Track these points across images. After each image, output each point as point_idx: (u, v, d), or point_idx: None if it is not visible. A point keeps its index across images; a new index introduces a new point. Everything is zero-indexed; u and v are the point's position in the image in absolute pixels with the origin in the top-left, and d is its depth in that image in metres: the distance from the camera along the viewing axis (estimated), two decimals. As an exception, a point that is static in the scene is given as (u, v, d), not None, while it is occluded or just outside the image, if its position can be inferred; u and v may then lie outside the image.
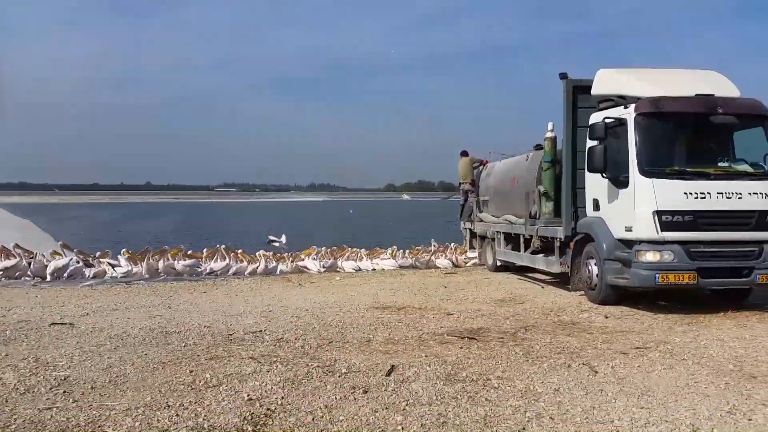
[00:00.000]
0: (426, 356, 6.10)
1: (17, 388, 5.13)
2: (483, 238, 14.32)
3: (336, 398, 4.86)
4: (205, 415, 4.50)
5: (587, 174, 9.32)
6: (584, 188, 9.63)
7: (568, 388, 5.14)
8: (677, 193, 8.21)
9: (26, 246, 13.74)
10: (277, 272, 13.58)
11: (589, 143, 9.09)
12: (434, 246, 15.73)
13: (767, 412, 4.62)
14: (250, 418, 4.46)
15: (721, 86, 9.01)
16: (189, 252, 14.21)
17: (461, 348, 6.47)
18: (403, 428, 4.29)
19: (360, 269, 14.20)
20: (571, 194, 9.87)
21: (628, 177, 8.51)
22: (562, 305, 9.09)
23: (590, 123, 9.24)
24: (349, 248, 15.29)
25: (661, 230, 8.18)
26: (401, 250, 15.32)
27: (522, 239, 11.77)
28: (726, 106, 8.56)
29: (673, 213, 8.19)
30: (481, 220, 14.11)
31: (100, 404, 4.75)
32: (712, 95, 8.64)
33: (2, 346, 6.56)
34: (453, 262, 14.97)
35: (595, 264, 9.14)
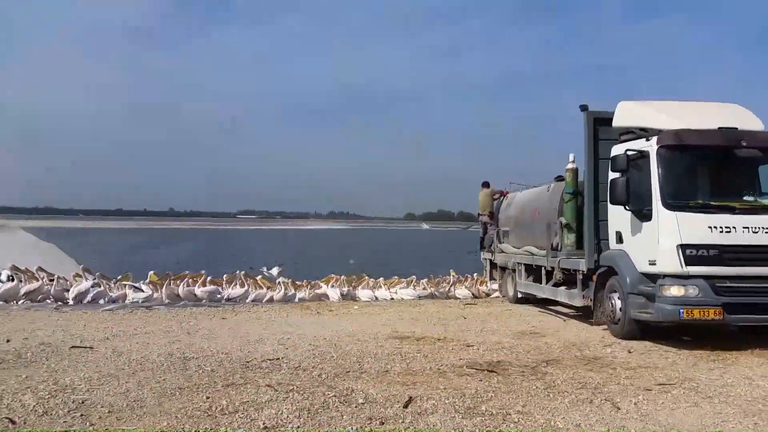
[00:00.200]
0: (444, 388, 6.02)
1: (36, 410, 5.15)
2: (504, 269, 14.20)
3: (352, 429, 4.80)
4: (220, 443, 4.47)
5: (610, 206, 9.24)
6: (606, 220, 9.54)
7: (589, 424, 5.03)
8: (701, 227, 8.09)
9: (49, 269, 13.95)
10: (296, 300, 13.59)
11: (612, 175, 9.04)
12: (453, 276, 15.62)
13: (798, 454, 4.47)
14: (265, 446, 4.42)
15: (744, 119, 8.93)
16: (209, 278, 14.28)
17: (481, 381, 6.37)
18: (420, 461, 4.22)
19: (378, 298, 14.15)
20: (593, 226, 9.78)
21: (651, 210, 8.42)
22: (585, 339, 8.94)
23: (612, 155, 9.19)
24: (368, 277, 15.26)
25: (686, 264, 8.05)
26: (421, 280, 15.25)
27: (543, 271, 11.65)
28: (750, 139, 8.48)
29: (697, 247, 8.06)
30: (502, 251, 14.01)
31: (116, 428, 4.75)
32: (735, 128, 8.56)
33: (23, 369, 6.62)
34: (473, 293, 14.84)
35: (619, 298, 9.00)
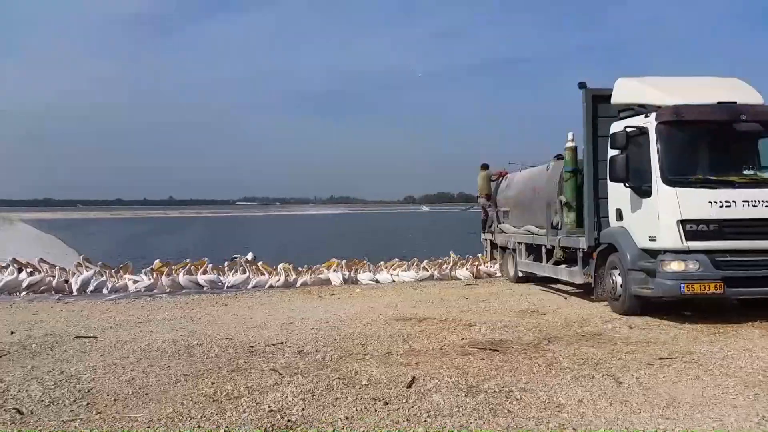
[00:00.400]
0: (447, 368, 6.06)
1: (42, 400, 5.19)
2: (504, 249, 14.23)
3: (357, 410, 4.84)
4: (226, 427, 4.51)
5: (609, 183, 9.23)
6: (606, 198, 9.54)
7: (591, 399, 5.07)
8: (701, 202, 8.09)
9: (50, 260, 13.98)
10: (298, 285, 13.63)
11: (611, 153, 9.02)
12: (454, 257, 15.65)
13: (799, 424, 4.51)
14: (271, 429, 4.46)
15: (743, 93, 8.89)
16: (210, 266, 14.31)
17: (483, 359, 6.41)
18: (424, 440, 4.26)
19: (380, 281, 14.20)
20: (593, 204, 9.78)
21: (651, 186, 8.41)
22: (586, 316, 8.98)
23: (611, 132, 9.16)
24: (369, 261, 15.28)
25: (686, 240, 8.07)
26: (422, 262, 15.28)
27: (544, 250, 11.67)
28: (749, 113, 8.44)
29: (697, 222, 8.07)
30: (502, 231, 14.03)
31: (123, 416, 4.78)
32: (735, 102, 8.52)
33: (28, 360, 6.66)
34: (474, 274, 14.88)
35: (619, 274, 9.03)
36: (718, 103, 8.50)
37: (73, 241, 39.07)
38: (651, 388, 5.36)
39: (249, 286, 13.31)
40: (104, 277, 12.99)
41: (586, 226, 9.87)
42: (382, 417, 4.68)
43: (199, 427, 4.53)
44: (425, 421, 4.59)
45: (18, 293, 12.31)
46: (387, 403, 4.98)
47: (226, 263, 14.42)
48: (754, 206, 8.11)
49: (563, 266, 10.95)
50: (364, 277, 14.27)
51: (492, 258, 15.14)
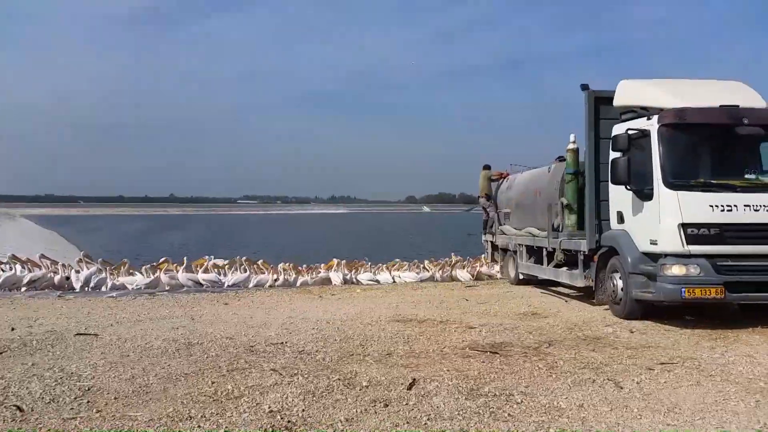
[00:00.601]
0: (448, 370, 6.05)
1: (43, 398, 5.19)
2: (505, 251, 14.22)
3: (357, 411, 4.84)
4: (226, 427, 4.51)
5: (611, 186, 9.22)
6: (608, 200, 9.53)
7: (592, 403, 5.06)
8: (703, 206, 8.08)
9: (51, 257, 13.98)
10: (298, 284, 13.63)
11: (613, 155, 9.01)
12: (455, 259, 15.65)
13: (799, 430, 4.50)
14: (271, 430, 4.46)
15: (746, 97, 8.87)
16: (211, 263, 14.31)
17: (483, 362, 6.41)
18: (424, 443, 4.25)
19: (380, 282, 14.19)
20: (594, 207, 9.77)
21: (652, 189, 8.40)
22: (587, 319, 8.97)
23: (613, 135, 9.15)
24: (369, 261, 15.28)
25: (687, 243, 8.05)
26: (422, 263, 15.28)
27: (545, 252, 11.66)
28: (751, 116, 8.42)
29: (698, 226, 8.05)
30: (503, 233, 14.03)
31: (123, 414, 4.78)
32: (737, 106, 8.50)
33: (29, 357, 6.66)
34: (474, 275, 14.87)
35: (620, 278, 9.02)
36: (721, 106, 8.48)
37: (74, 238, 39.09)
38: (652, 393, 5.35)
39: (249, 285, 13.31)
40: (104, 274, 12.99)
41: (587, 228, 9.86)
42: (382, 419, 4.68)
43: (199, 426, 4.53)
44: (425, 424, 4.58)
45: (18, 289, 12.31)
46: (387, 405, 4.98)
47: (226, 262, 14.41)
48: (756, 211, 8.09)
49: (564, 269, 10.94)
50: (364, 277, 14.27)
51: (493, 260, 15.14)
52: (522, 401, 5.10)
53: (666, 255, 8.23)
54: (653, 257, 8.45)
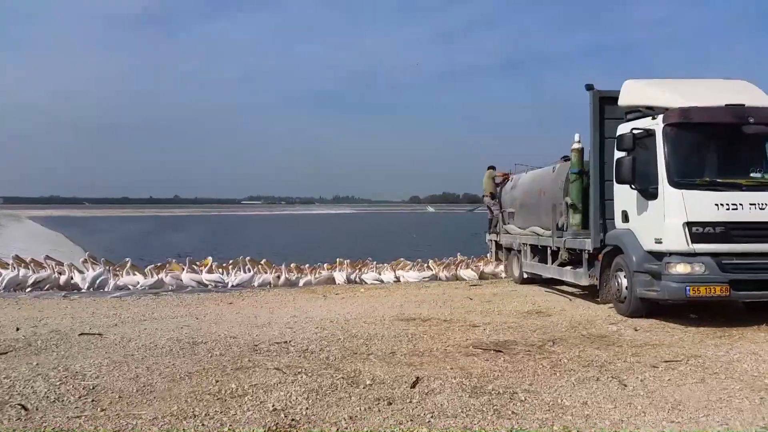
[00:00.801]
0: (451, 368, 6.05)
1: (47, 397, 5.21)
2: (509, 250, 14.21)
3: (360, 410, 4.84)
4: (230, 425, 4.52)
5: (616, 185, 9.21)
6: (612, 200, 9.51)
7: (596, 401, 5.05)
8: (708, 205, 8.06)
9: (57, 258, 14.03)
10: (302, 284, 13.64)
11: (617, 154, 9.00)
12: (459, 258, 15.64)
13: (804, 428, 4.48)
14: (275, 428, 4.46)
15: (752, 96, 8.84)
16: (215, 264, 14.34)
17: (487, 360, 6.40)
18: (428, 440, 4.25)
19: (384, 281, 14.19)
20: (599, 206, 9.76)
21: (657, 188, 8.38)
22: (591, 318, 8.95)
23: (618, 134, 9.14)
24: (373, 261, 15.29)
25: (692, 242, 8.03)
26: (426, 262, 15.28)
27: (549, 251, 11.65)
28: (757, 115, 8.39)
29: (703, 224, 8.03)
30: (507, 232, 14.02)
31: (127, 413, 4.80)
32: (743, 105, 8.48)
33: (33, 356, 6.68)
34: (478, 275, 14.86)
35: (624, 276, 9.00)
36: (726, 105, 8.46)
37: (79, 239, 39.21)
38: (656, 390, 5.34)
39: (254, 285, 13.32)
40: (108, 274, 13.03)
41: (592, 227, 9.84)
42: (385, 417, 4.67)
43: (202, 425, 4.53)
44: (429, 421, 4.58)
45: (24, 290, 12.35)
46: (391, 403, 4.98)
47: (230, 261, 14.43)
48: (762, 209, 8.07)
49: (568, 268, 10.93)
50: (368, 276, 14.27)
51: (497, 259, 15.14)
52: (526, 399, 5.10)
53: (671, 253, 8.21)
54: (658, 256, 8.43)
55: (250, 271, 13.72)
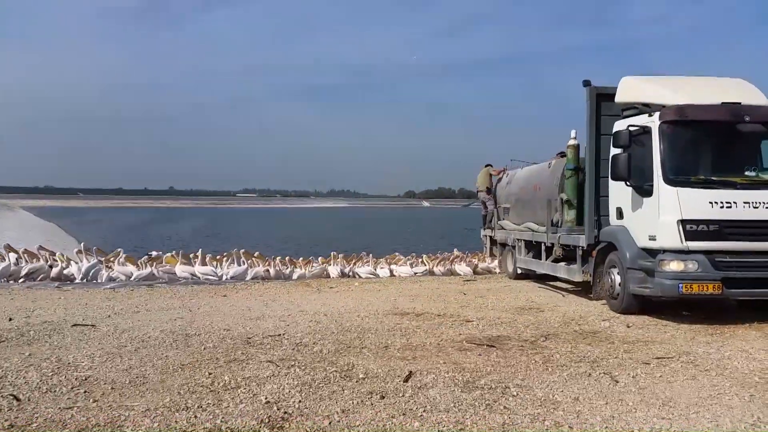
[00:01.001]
0: (444, 363, 6.07)
1: (40, 387, 5.19)
2: (503, 245, 14.23)
3: (353, 403, 4.85)
4: (222, 417, 4.52)
5: (611, 182, 9.22)
6: (607, 196, 9.53)
7: (587, 397, 5.07)
8: (702, 202, 8.08)
9: (50, 248, 13.98)
10: (296, 277, 13.64)
11: (613, 151, 9.01)
12: (453, 253, 15.66)
13: (794, 425, 4.51)
14: (267, 421, 4.46)
15: (748, 94, 8.86)
16: (209, 257, 14.32)
17: (480, 355, 6.42)
18: (420, 434, 4.26)
19: (378, 275, 14.20)
20: (594, 202, 9.78)
21: (652, 185, 8.40)
22: (584, 314, 8.98)
23: (614, 131, 9.15)
24: (368, 254, 15.30)
25: (686, 239, 8.06)
26: (420, 257, 15.30)
27: (543, 247, 11.68)
28: (753, 114, 8.42)
29: (698, 222, 8.06)
30: (502, 228, 14.04)
31: (119, 405, 4.79)
32: (739, 103, 8.50)
33: (26, 347, 6.66)
34: (473, 270, 14.88)
35: (618, 273, 9.03)
36: (722, 103, 8.48)
37: (73, 229, 39.07)
38: (647, 387, 5.37)
39: (247, 278, 13.31)
40: (101, 265, 12.99)
41: (587, 224, 9.87)
42: (378, 411, 4.68)
43: (195, 417, 4.53)
44: (421, 415, 4.59)
45: (16, 281, 12.31)
46: (383, 397, 4.98)
47: (224, 254, 14.42)
48: (755, 208, 8.10)
49: (562, 264, 10.95)
50: (363, 270, 14.28)
51: (491, 254, 15.16)
52: (518, 394, 5.11)
53: (664, 251, 8.23)
54: (651, 253, 8.46)
55: (244, 263, 13.70)
